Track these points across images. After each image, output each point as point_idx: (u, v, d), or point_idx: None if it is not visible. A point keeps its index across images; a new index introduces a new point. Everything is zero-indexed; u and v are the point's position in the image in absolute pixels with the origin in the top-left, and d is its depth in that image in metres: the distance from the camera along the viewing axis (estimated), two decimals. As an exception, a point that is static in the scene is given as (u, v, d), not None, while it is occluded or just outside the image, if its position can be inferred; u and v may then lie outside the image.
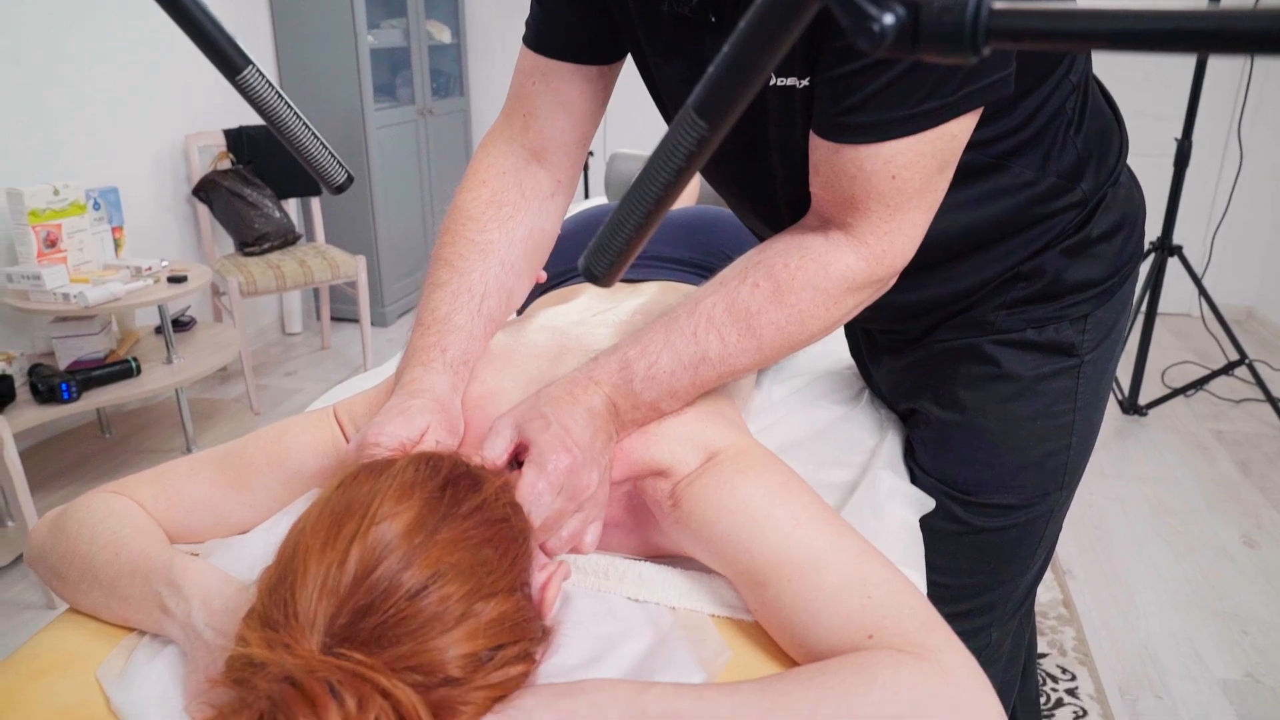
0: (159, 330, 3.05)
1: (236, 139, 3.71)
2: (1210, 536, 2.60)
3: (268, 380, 3.83)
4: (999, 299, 1.05)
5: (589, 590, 0.87)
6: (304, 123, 0.68)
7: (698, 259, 1.44)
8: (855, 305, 0.89)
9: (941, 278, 1.03)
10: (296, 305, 4.44)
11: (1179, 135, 3.10)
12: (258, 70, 0.64)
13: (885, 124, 0.79)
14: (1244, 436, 3.19)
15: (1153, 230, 4.06)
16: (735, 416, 1.00)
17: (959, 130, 0.81)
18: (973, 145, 0.87)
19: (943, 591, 1.14)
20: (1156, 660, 2.11)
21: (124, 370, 2.70)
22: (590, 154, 4.45)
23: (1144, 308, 3.23)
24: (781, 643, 0.78)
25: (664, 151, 0.48)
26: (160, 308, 2.80)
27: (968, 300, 1.06)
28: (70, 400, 2.53)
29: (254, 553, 0.86)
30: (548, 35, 1.03)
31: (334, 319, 4.51)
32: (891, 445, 1.19)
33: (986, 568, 1.16)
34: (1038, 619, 2.12)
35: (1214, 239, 4.13)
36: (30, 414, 2.48)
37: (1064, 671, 2.07)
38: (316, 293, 4.36)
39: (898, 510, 1.04)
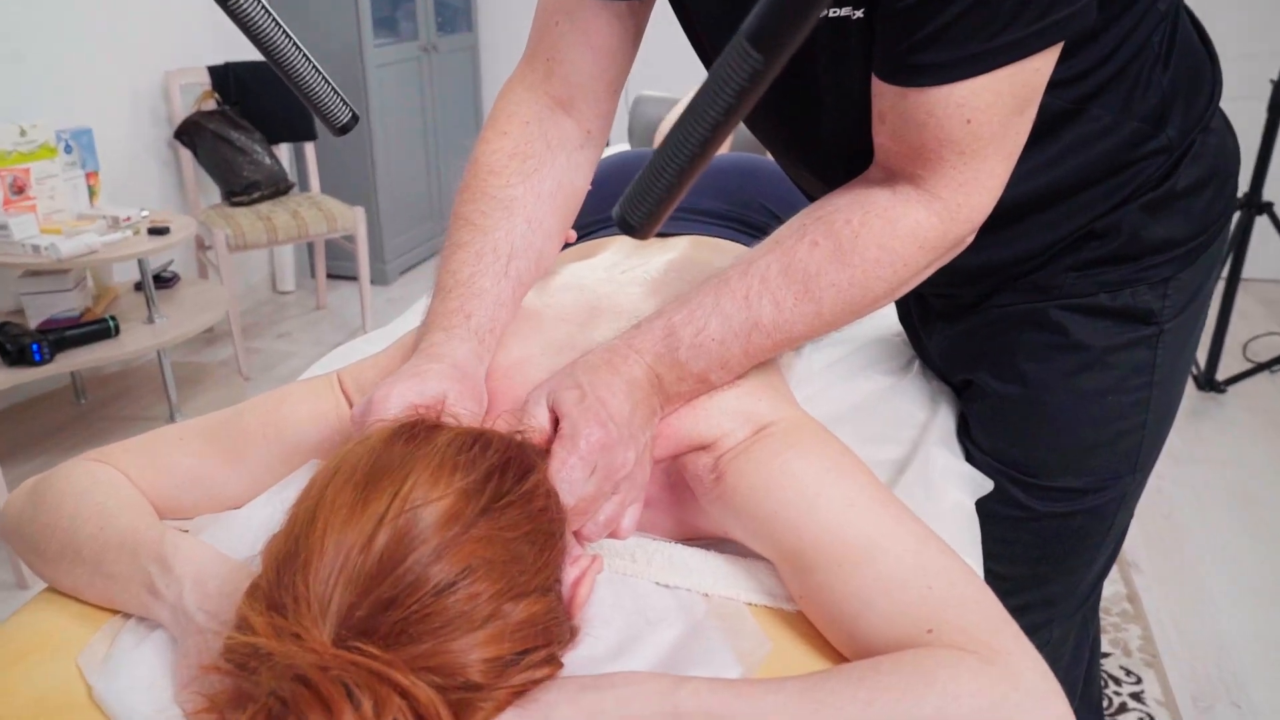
0: (139, 287, 3.07)
1: (222, 76, 3.70)
2: (1294, 527, 2.65)
3: (258, 343, 3.86)
4: (1068, 260, 1.04)
5: (614, 574, 0.88)
6: (304, 54, 0.68)
7: (733, 212, 1.43)
8: (925, 266, 0.89)
9: (1004, 238, 1.02)
10: (289, 261, 4.46)
11: (1275, 77, 3.01)
12: (251, -7, 0.63)
13: (958, 62, 0.77)
14: (1334, 417, 3.23)
15: (1240, 184, 3.96)
16: (786, 390, 1.00)
17: (1041, 63, 0.80)
18: (1049, 87, 0.85)
19: (1000, 583, 1.13)
20: (1234, 664, 2.10)
21: (101, 330, 2.71)
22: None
23: (1226, 271, 3.18)
24: (829, 635, 0.79)
25: (712, 88, 0.47)
26: (140, 262, 2.81)
27: (1034, 261, 1.05)
28: (42, 363, 2.53)
29: (248, 530, 0.86)
30: None
31: (330, 276, 4.51)
32: (944, 420, 1.19)
33: (1049, 558, 1.16)
34: (1100, 615, 2.11)
35: (1309, 196, 4.16)
36: (-1, 377, 2.56)
37: (1128, 674, 2.07)
38: (311, 247, 4.37)
39: (951, 492, 1.04)
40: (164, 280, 3.20)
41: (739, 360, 0.89)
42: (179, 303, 3.08)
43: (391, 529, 0.59)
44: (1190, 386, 3.40)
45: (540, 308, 1.05)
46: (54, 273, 2.74)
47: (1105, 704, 1.98)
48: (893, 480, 1.06)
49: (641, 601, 0.84)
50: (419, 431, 0.68)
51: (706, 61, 1.07)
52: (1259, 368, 3.36)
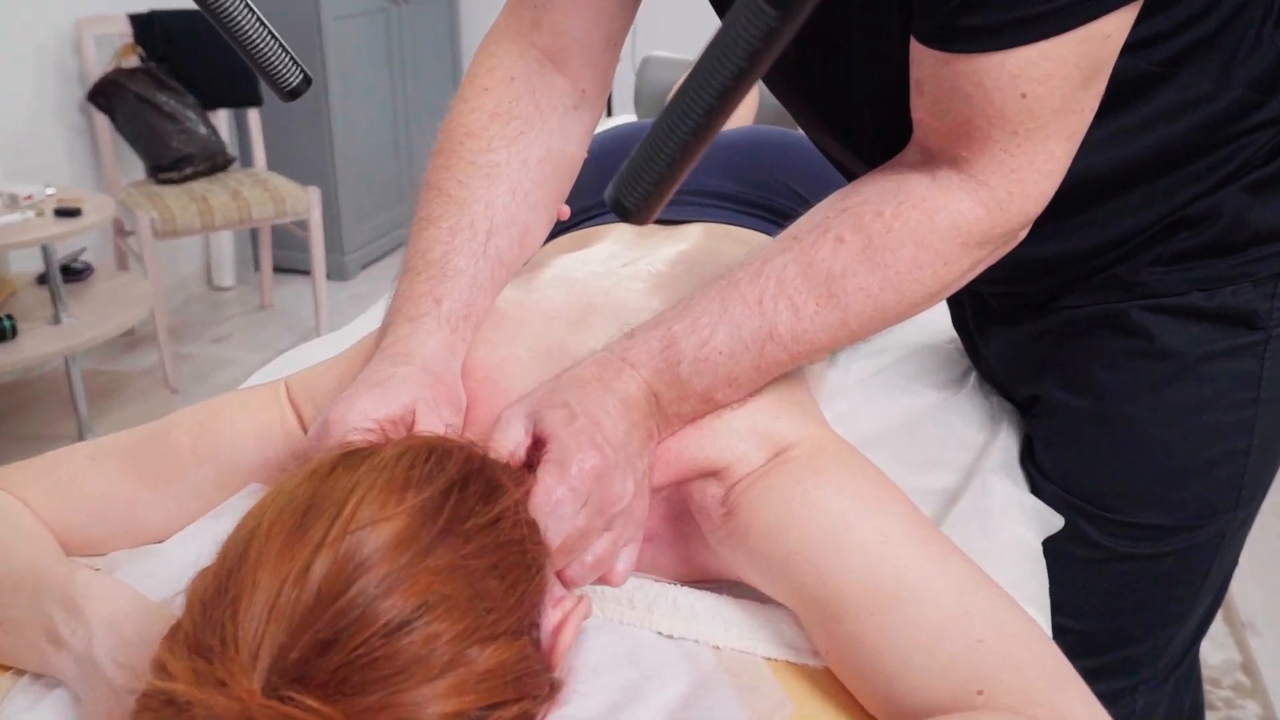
0: (42, 280, 3.05)
1: (147, 27, 3.70)
2: None
3: (189, 347, 3.88)
4: (1154, 251, 1.04)
5: (610, 622, 0.88)
6: (245, 3, 0.69)
7: (753, 195, 1.44)
8: (970, 266, 0.89)
9: (1078, 226, 1.03)
10: (228, 251, 4.47)
11: None
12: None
13: (1013, 24, 0.77)
14: None
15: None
16: (810, 405, 1.01)
17: (1113, 28, 0.79)
18: (1129, 48, 0.84)
19: (1072, 640, 1.13)
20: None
21: (-5, 331, 2.76)
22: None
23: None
24: (860, 695, 0.79)
25: (719, 50, 0.48)
26: (45, 249, 2.82)
27: (1111, 254, 1.05)
28: (-72, 369, 2.60)
29: (172, 568, 0.86)
30: None
31: (278, 270, 4.52)
32: (1005, 443, 1.19)
33: (1131, 611, 1.16)
34: (1207, 687, 2.06)
35: None
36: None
37: (1245, 762, 2.08)
38: (255, 235, 4.40)
39: (1013, 528, 1.05)
40: (74, 272, 3.19)
41: (750, 376, 0.90)
42: (92, 299, 3.08)
43: (331, 555, 0.60)
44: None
45: (526, 304, 1.06)
46: (-62, 262, 2.82)
47: (1210, 797, 1.99)
48: (941, 514, 1.07)
49: (640, 654, 0.85)
50: (357, 454, 0.69)
51: (723, 15, 1.05)
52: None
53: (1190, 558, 1.13)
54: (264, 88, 3.98)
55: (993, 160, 0.84)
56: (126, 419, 3.14)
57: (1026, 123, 0.81)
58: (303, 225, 3.77)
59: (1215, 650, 2.29)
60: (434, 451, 0.70)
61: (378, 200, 4.69)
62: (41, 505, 0.91)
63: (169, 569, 0.86)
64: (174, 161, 3.60)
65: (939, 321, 1.46)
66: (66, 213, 2.85)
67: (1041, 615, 0.96)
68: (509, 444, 0.82)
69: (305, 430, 0.96)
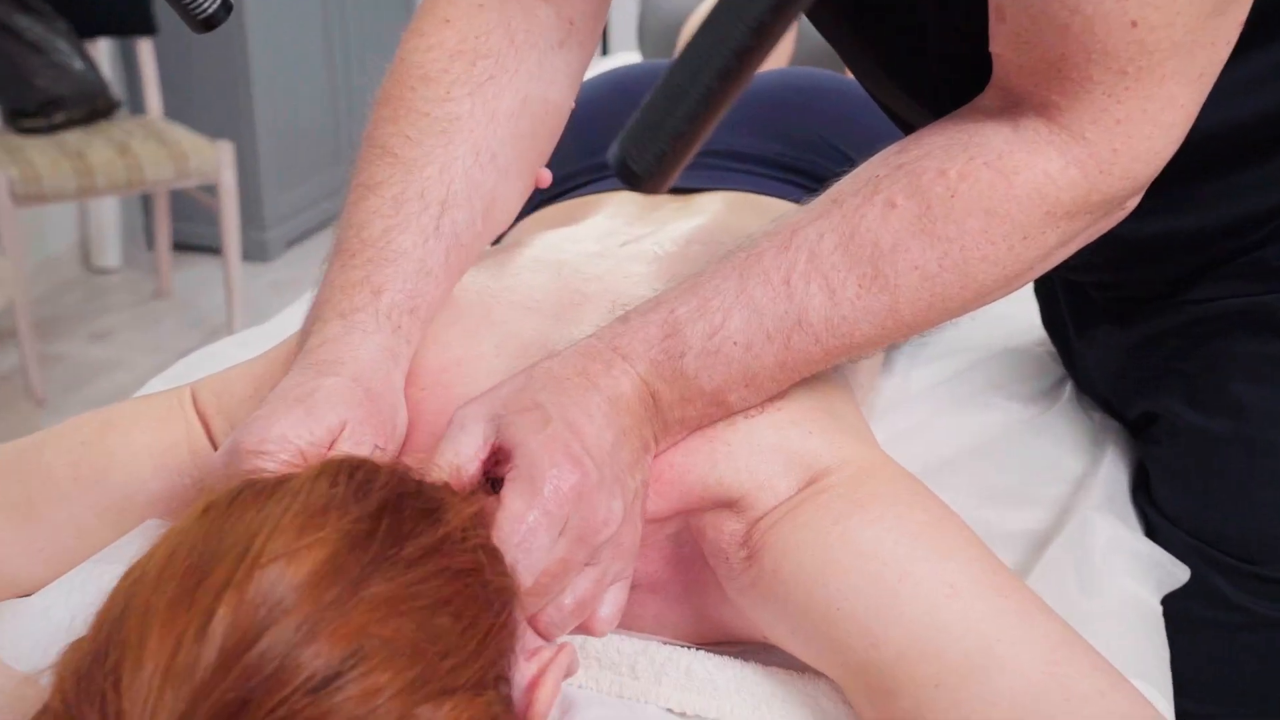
0: None
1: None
2: None
3: (60, 346, 3.90)
4: (1304, 232, 1.08)
5: (607, 695, 0.90)
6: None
7: (789, 155, 1.47)
8: (1059, 243, 0.89)
9: (1209, 195, 1.04)
10: (112, 222, 4.49)
11: None
12: None
13: None
14: None
15: None
16: (856, 419, 1.03)
17: None
18: None
19: (1200, 728, 1.19)
20: None
21: None
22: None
23: None
24: None
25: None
26: None
27: (1255, 232, 1.06)
28: None
29: (44, 629, 0.86)
30: None
31: (178, 248, 4.54)
32: (1112, 473, 1.21)
33: (1274, 690, 1.17)
34: None
35: None
36: None
37: None
38: (148, 202, 4.41)
39: (1122, 582, 1.05)
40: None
41: (772, 375, 0.91)
42: (-67, 284, 3.13)
43: (237, 599, 0.59)
44: None
45: (495, 293, 1.08)
46: None
47: None
48: (1027, 563, 1.08)
49: (645, 736, 0.88)
50: (262, 486, 0.69)
51: None
52: None
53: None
54: (161, 11, 4.04)
55: (1092, 107, 0.83)
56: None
57: (1137, 59, 0.80)
58: (210, 191, 3.78)
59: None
60: (353, 469, 0.70)
61: (308, 160, 4.69)
62: None
63: (40, 630, 0.86)
64: (40, 105, 3.57)
65: (1025, 318, 1.48)
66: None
67: (1160, 696, 0.96)
68: (458, 455, 0.82)
69: (215, 448, 0.97)
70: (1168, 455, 1.18)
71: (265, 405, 0.86)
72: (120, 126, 3.76)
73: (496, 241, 1.25)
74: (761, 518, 0.89)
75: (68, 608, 0.88)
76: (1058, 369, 1.39)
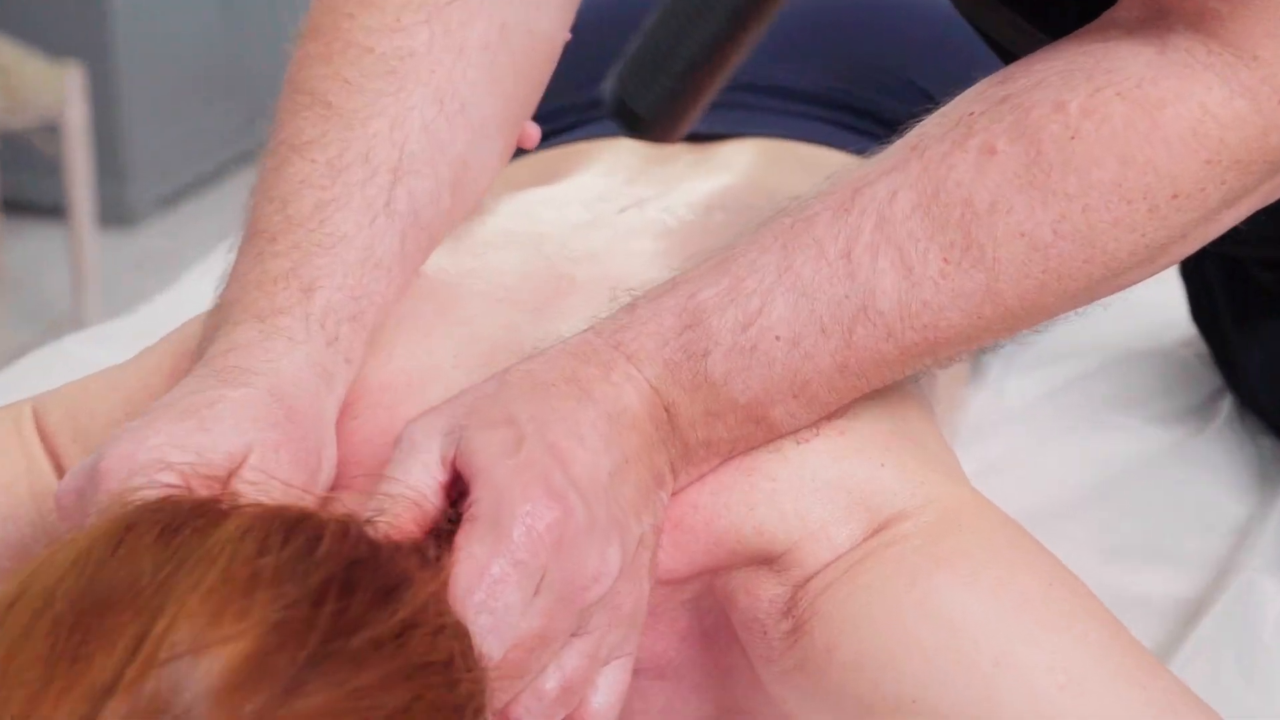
0: None
1: None
2: None
3: None
4: None
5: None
6: None
7: (848, 93, 1.47)
8: (1223, 203, 0.86)
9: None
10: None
11: None
12: None
13: None
14: None
15: None
16: (939, 446, 1.00)
17: None
18: None
19: None
20: None
21: None
22: None
23: None
24: None
25: None
26: None
27: None
28: None
29: None
30: None
31: (9, 208, 4.60)
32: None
33: None
34: None
35: None
36: None
37: None
38: (-40, 147, 4.44)
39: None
40: None
41: (829, 380, 0.88)
42: None
43: (128, 707, 0.58)
44: None
45: (455, 279, 1.05)
46: None
47: None
48: (1171, 640, 1.08)
49: None
50: (186, 521, 0.67)
51: None
52: None
53: None
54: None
55: (1267, 16, 0.82)
56: None
57: None
58: (53, 132, 3.80)
59: None
60: (297, 526, 0.68)
61: (188, 90, 4.76)
62: None
63: None
64: None
65: (1165, 309, 1.47)
66: None
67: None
68: (411, 485, 0.80)
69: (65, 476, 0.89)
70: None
71: (143, 418, 0.83)
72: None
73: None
74: (811, 578, 0.86)
75: None
76: (1211, 378, 1.38)
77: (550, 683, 0.80)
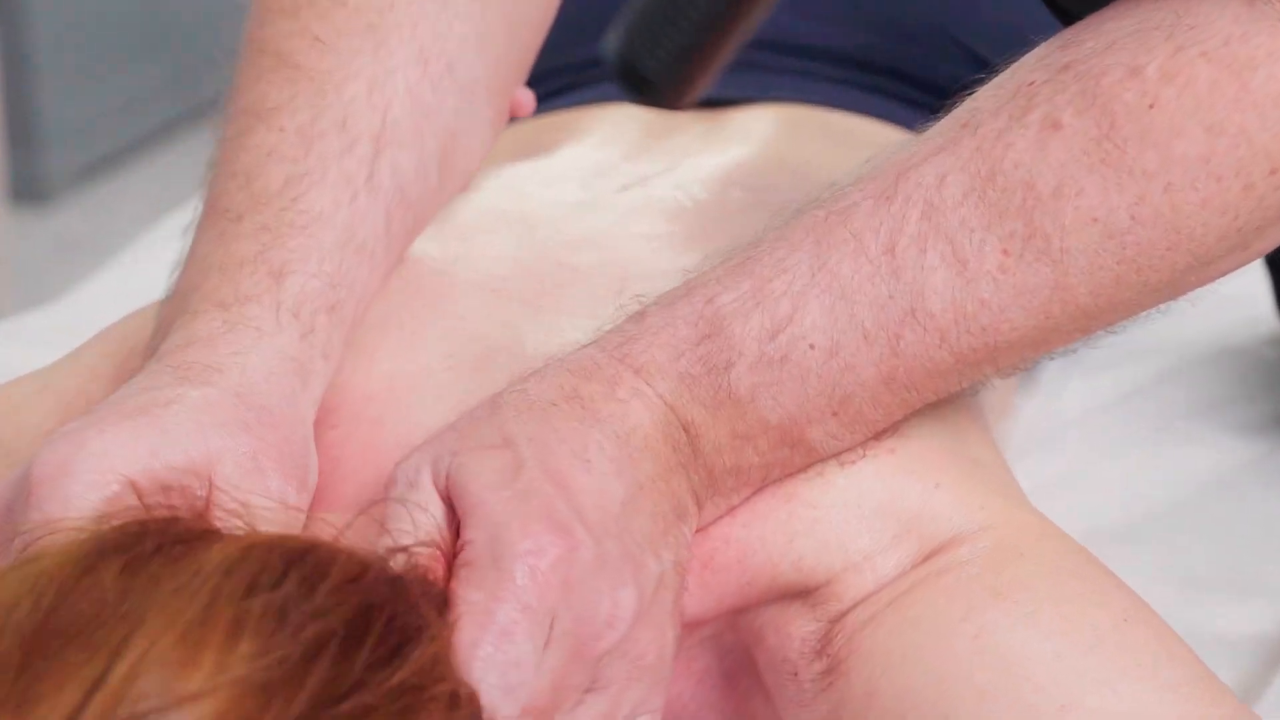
0: None
1: None
2: None
3: None
4: None
5: None
6: None
7: (887, 52, 1.48)
8: None
9: None
10: None
11: None
12: None
13: None
14: None
15: None
16: (995, 460, 1.01)
17: None
18: None
19: None
20: None
21: None
22: None
23: None
24: None
25: None
26: None
27: None
28: None
29: None
30: None
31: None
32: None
33: None
34: None
35: None
36: None
37: None
38: None
39: None
40: None
41: (874, 395, 0.89)
42: None
43: None
44: None
45: (443, 266, 1.05)
46: None
47: None
48: (1257, 682, 1.09)
49: None
50: (152, 546, 0.68)
51: None
52: None
53: None
54: None
55: None
56: None
57: None
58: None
59: None
60: (295, 564, 0.69)
61: (112, 45, 4.79)
62: None
63: None
64: None
65: (1247, 303, 1.44)
66: None
67: None
68: (423, 526, 0.80)
69: None
70: None
71: (85, 418, 0.84)
72: None
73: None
74: (849, 611, 0.87)
75: None
76: (1304, 383, 1.35)
77: None
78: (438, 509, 0.79)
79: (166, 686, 0.60)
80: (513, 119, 1.07)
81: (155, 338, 0.91)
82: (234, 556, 0.65)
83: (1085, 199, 0.83)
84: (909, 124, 1.23)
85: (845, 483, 0.87)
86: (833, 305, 0.84)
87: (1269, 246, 0.85)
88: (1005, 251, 0.83)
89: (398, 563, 0.74)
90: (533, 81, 1.31)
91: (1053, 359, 1.36)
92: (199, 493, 0.78)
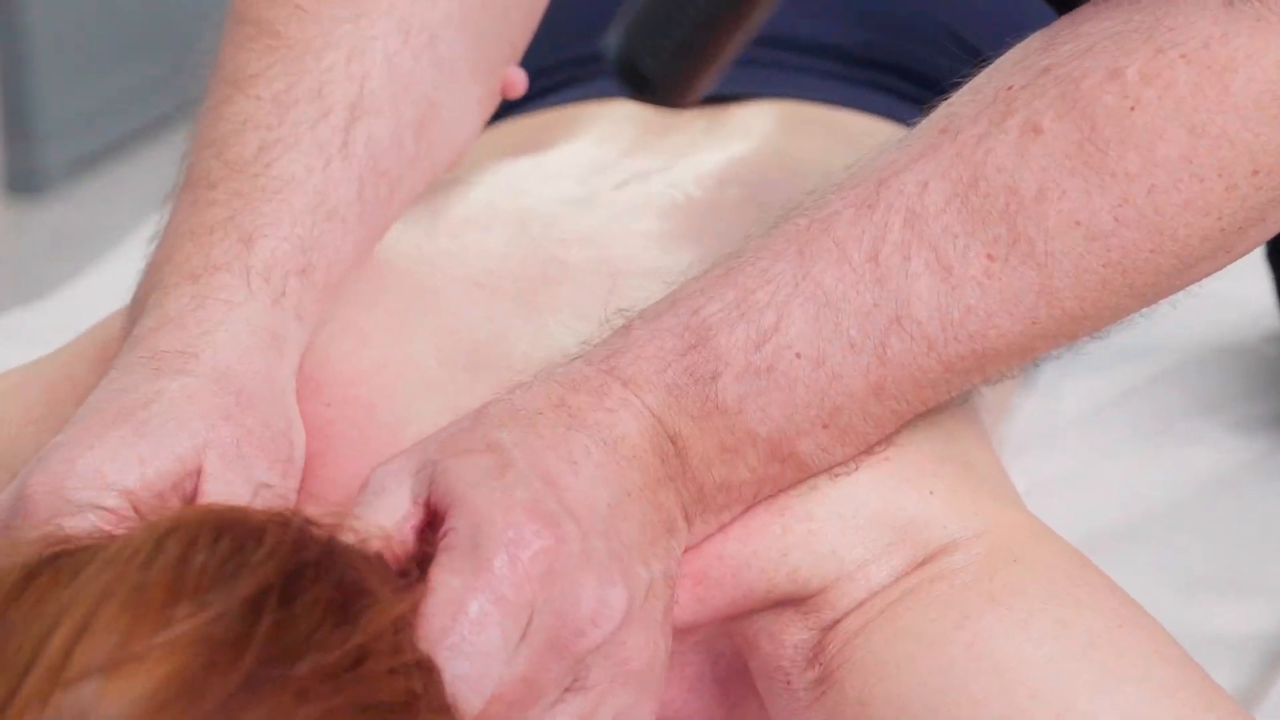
0: None
1: None
2: None
3: None
4: None
5: None
6: None
7: (884, 48, 1.49)
8: None
9: None
10: None
11: None
12: None
13: None
14: None
15: None
16: (989, 463, 1.01)
17: None
18: None
19: None
20: None
21: None
22: None
23: None
24: None
25: None
26: None
27: None
28: None
29: None
30: None
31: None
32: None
33: None
34: None
35: None
36: None
37: None
38: None
39: None
40: None
41: (862, 405, 0.89)
42: None
43: None
44: None
45: (432, 258, 1.05)
46: None
47: None
48: (1257, 685, 1.11)
49: None
50: (68, 560, 0.69)
51: None
52: None
53: None
54: None
55: None
56: None
57: None
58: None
59: None
60: (226, 530, 0.68)
61: (108, 37, 4.81)
62: None
63: None
64: None
65: (1248, 301, 1.46)
66: None
67: None
68: (384, 515, 0.80)
69: None
70: None
71: (71, 427, 0.84)
72: None
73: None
74: (842, 618, 0.87)
75: None
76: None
77: None
78: (405, 503, 0.80)
79: (108, 652, 0.60)
80: (506, 101, 1.06)
81: (133, 311, 0.92)
82: (165, 529, 0.65)
83: (1068, 202, 0.85)
84: (910, 120, 1.23)
85: (839, 494, 0.88)
86: (817, 314, 0.85)
87: (1250, 247, 0.86)
88: (990, 256, 0.84)
89: (345, 538, 0.72)
90: (533, 77, 1.31)
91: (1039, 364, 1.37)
92: (188, 489, 0.77)
